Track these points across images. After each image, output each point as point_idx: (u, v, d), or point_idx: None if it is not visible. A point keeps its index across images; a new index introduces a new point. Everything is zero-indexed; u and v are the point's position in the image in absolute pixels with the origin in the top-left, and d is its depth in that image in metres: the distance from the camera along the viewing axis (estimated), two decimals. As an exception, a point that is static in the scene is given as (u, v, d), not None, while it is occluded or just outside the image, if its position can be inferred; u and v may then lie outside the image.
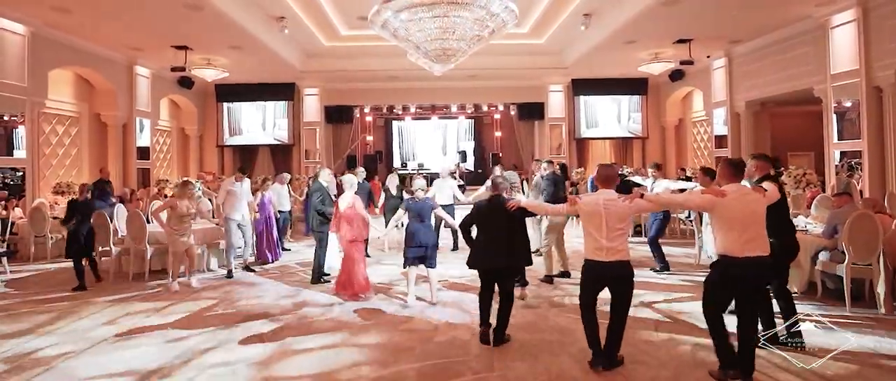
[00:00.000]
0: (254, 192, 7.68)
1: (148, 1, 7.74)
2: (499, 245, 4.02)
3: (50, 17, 8.28)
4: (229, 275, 6.63)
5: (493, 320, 4.09)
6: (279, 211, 8.40)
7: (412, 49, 6.74)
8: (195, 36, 9.77)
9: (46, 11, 8.03)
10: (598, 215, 3.41)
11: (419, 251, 5.12)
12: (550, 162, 6.78)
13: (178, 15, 8.37)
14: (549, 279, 6.08)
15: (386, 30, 6.18)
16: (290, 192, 9.36)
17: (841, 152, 8.71)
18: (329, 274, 6.28)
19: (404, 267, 5.27)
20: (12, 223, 7.75)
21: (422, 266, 5.23)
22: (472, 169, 18.30)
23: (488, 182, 5.39)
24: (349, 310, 5.12)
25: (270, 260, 7.60)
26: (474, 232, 4.29)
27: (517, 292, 5.19)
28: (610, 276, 3.44)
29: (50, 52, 8.99)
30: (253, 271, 6.97)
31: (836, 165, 8.72)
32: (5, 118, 8.65)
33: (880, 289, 4.59)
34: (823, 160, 9.23)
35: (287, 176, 9.31)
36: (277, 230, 8.13)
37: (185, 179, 6.83)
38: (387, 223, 7.78)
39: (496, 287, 4.17)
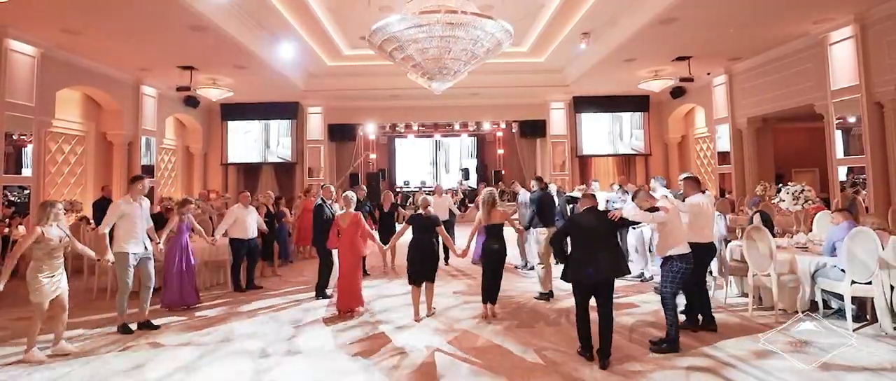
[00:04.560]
0: (161, 213, 6.43)
1: (155, 23, 7.94)
2: (595, 256, 3.99)
3: (59, 38, 8.50)
4: (124, 329, 4.96)
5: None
6: (241, 239, 6.84)
7: (410, 66, 6.82)
8: (201, 56, 9.98)
9: (57, 33, 8.25)
10: (702, 211, 4.56)
11: None
12: (539, 179, 6.85)
13: (184, 36, 8.57)
14: (547, 297, 6.04)
15: (383, 51, 6.27)
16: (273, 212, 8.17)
17: (848, 168, 8.63)
18: (331, 292, 6.25)
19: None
20: (13, 242, 7.80)
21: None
22: (475, 187, 18.30)
23: (482, 199, 5.54)
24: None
25: (185, 305, 5.84)
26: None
27: (490, 309, 5.34)
28: (712, 254, 4.74)
29: (58, 73, 9.20)
30: (153, 326, 5.09)
31: (841, 182, 8.64)
32: (14, 137, 8.80)
33: (879, 307, 4.49)
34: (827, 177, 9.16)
35: (249, 196, 7.32)
36: (246, 263, 6.96)
37: (51, 201, 4.67)
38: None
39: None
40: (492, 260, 5.34)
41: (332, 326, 5.17)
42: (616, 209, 4.51)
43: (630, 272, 4.34)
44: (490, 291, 5.35)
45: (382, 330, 5.01)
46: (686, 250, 4.22)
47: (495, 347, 4.47)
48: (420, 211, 5.47)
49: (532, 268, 7.27)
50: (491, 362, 4.11)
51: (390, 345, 4.56)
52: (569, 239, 4.27)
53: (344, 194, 5.88)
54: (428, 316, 5.36)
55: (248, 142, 14.92)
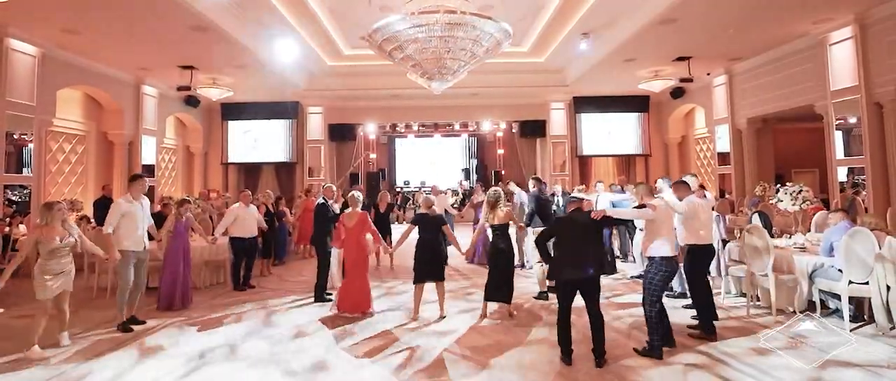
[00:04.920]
0: (161, 212, 6.64)
1: (155, 23, 7.95)
2: (583, 256, 3.99)
3: (60, 38, 8.52)
4: (123, 327, 5.01)
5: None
6: (242, 238, 6.88)
7: (409, 66, 6.84)
8: (201, 56, 9.99)
9: (57, 33, 8.27)
10: (698, 212, 4.60)
11: None
12: (538, 180, 6.91)
13: (185, 36, 8.58)
14: (545, 296, 6.06)
15: (383, 51, 6.29)
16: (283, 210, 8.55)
17: (849, 169, 8.63)
18: (332, 294, 6.22)
19: None
20: (14, 240, 7.83)
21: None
22: (472, 187, 18.31)
23: (487, 198, 5.63)
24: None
25: (180, 306, 5.84)
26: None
27: (505, 308, 5.40)
28: (710, 256, 4.72)
29: (59, 72, 9.21)
30: (139, 322, 5.20)
31: (841, 183, 8.65)
32: (15, 136, 8.82)
33: (876, 307, 4.50)
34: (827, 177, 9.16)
35: (250, 195, 7.34)
36: (245, 263, 6.96)
37: (49, 201, 4.78)
38: None
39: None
40: (499, 260, 5.38)
41: (335, 327, 5.16)
42: (611, 209, 4.55)
43: (614, 271, 4.32)
44: (499, 290, 5.35)
45: (382, 330, 5.01)
46: (669, 253, 4.15)
47: (493, 346, 4.49)
48: (425, 211, 5.50)
49: (531, 267, 7.29)
50: (488, 361, 4.12)
51: (391, 345, 4.57)
52: (553, 240, 4.27)
53: (350, 194, 5.87)
54: (440, 318, 5.31)
55: (248, 141, 14.95)
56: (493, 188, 5.80)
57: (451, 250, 6.08)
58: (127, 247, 5.04)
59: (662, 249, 4.15)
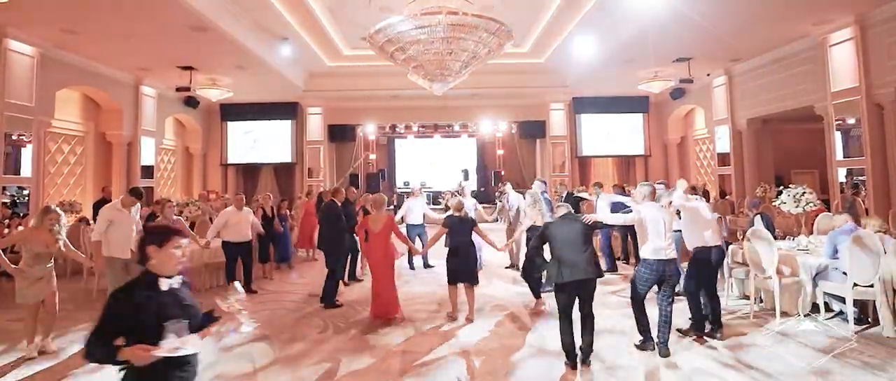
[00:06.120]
0: (153, 212, 6.57)
1: (155, 23, 7.91)
2: (581, 259, 4.00)
3: (59, 38, 8.47)
4: None
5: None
6: (234, 242, 6.68)
7: (411, 67, 6.81)
8: (200, 57, 9.96)
9: (56, 33, 8.23)
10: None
11: None
12: (544, 182, 6.89)
13: (184, 36, 8.54)
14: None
15: (384, 52, 6.27)
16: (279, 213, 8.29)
17: (848, 170, 8.64)
18: (342, 304, 6.05)
19: None
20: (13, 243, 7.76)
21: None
22: (476, 187, 18.27)
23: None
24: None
25: None
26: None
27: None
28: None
29: (58, 73, 9.17)
30: None
31: (841, 183, 8.66)
32: (13, 137, 8.77)
33: (881, 309, 4.49)
34: (827, 178, 9.18)
35: (243, 198, 7.18)
36: (244, 267, 6.86)
37: (47, 205, 4.82)
38: None
39: None
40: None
41: (368, 333, 5.01)
42: (601, 215, 4.71)
43: (603, 275, 4.30)
44: (539, 288, 5.65)
45: (392, 337, 4.97)
46: (648, 256, 4.19)
47: (500, 350, 4.47)
48: (455, 213, 5.49)
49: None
50: (494, 366, 4.11)
51: (404, 351, 4.55)
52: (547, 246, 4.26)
53: (373, 197, 5.82)
54: (466, 322, 5.24)
55: (247, 142, 14.91)
56: (531, 191, 5.88)
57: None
58: (113, 253, 5.06)
59: (644, 250, 4.26)
